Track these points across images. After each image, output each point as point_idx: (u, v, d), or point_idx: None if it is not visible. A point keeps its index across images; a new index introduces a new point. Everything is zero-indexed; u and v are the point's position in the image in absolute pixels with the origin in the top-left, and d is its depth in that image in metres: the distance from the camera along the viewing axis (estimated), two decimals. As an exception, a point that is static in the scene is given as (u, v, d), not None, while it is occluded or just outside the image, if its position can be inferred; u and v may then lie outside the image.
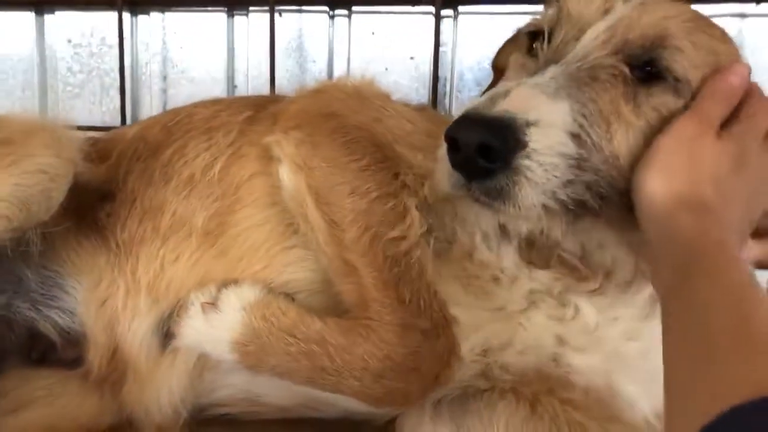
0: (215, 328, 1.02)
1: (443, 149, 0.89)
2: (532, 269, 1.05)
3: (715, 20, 1.06)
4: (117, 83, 1.78)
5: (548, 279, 1.05)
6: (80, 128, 1.77)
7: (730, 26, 1.53)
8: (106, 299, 1.13)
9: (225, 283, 1.07)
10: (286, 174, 1.10)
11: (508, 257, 1.06)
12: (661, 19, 0.95)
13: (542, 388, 1.04)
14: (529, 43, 1.05)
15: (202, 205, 1.14)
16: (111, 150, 1.28)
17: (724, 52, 1.00)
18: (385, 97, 1.24)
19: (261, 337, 0.98)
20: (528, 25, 1.08)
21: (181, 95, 1.81)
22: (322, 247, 1.04)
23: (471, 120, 0.85)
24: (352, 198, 1.03)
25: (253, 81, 1.80)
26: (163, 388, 1.11)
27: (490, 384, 1.06)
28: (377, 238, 0.99)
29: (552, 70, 0.90)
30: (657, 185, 0.86)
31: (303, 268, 1.10)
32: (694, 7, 1.53)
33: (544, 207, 0.86)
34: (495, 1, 1.63)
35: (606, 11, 0.97)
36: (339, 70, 1.75)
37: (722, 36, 1.03)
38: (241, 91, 1.81)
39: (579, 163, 0.86)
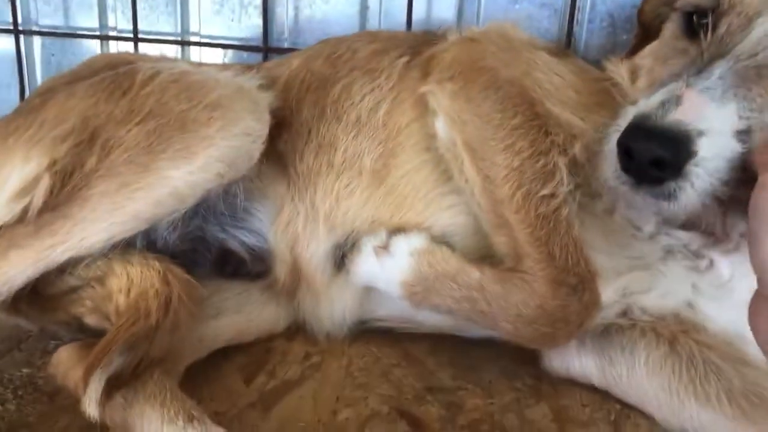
0: (387, 269, 1.16)
1: (611, 145, 0.96)
2: (671, 229, 1.15)
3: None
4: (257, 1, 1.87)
5: (686, 237, 1.15)
6: (221, 45, 1.92)
7: None
8: (288, 222, 1.29)
9: (393, 229, 1.21)
10: (441, 127, 1.20)
11: (649, 219, 1.15)
12: None
13: (679, 329, 1.16)
14: (686, 19, 1.09)
15: (369, 147, 1.27)
16: (278, 76, 1.40)
17: None
18: (532, 45, 1.30)
19: (427, 281, 1.12)
20: (686, 3, 1.10)
21: (317, 16, 1.90)
22: (477, 199, 1.15)
23: (646, 132, 0.91)
24: (505, 155, 1.12)
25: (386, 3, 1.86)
26: (336, 303, 1.29)
27: (631, 323, 1.19)
28: (529, 196, 1.09)
29: (719, 69, 0.93)
30: None
31: (458, 212, 1.22)
32: None
33: (704, 204, 0.93)
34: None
35: None
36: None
37: None
38: (373, 10, 1.87)
39: (743, 160, 0.90)
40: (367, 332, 1.35)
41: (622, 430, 1.14)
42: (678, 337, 1.16)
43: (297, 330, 1.36)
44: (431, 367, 1.28)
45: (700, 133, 0.90)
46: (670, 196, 0.93)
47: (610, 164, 0.98)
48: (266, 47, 1.86)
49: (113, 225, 1.10)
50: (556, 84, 1.21)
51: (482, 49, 1.26)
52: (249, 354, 1.28)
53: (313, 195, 1.27)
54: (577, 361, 1.21)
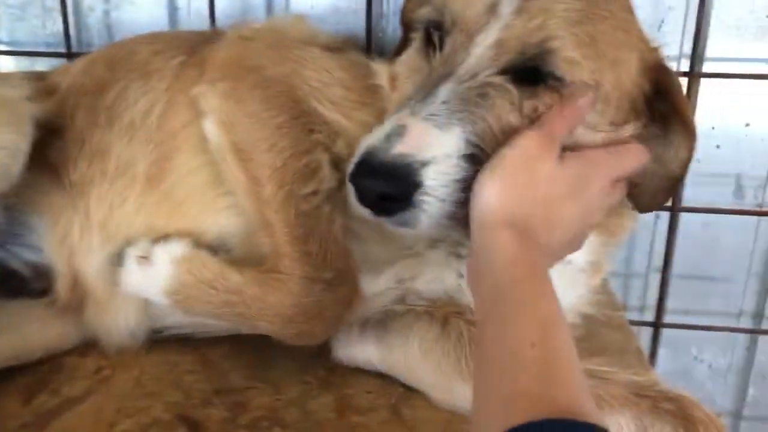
0: (149, 279, 1.15)
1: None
2: None
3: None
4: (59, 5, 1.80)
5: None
6: (25, 53, 1.84)
7: None
8: (65, 235, 1.25)
9: (156, 237, 1.20)
10: (210, 129, 1.19)
11: None
12: (543, 21, 0.97)
13: (452, 311, 1.21)
14: (425, 34, 1.09)
15: (143, 151, 1.24)
16: (59, 83, 1.35)
17: (608, 38, 1.01)
18: (308, 42, 1.30)
19: (188, 288, 1.12)
20: (421, 18, 1.12)
21: (125, 18, 1.84)
22: (243, 200, 1.16)
23: (370, 169, 0.93)
24: (270, 154, 1.13)
25: (195, 2, 1.83)
26: (120, 315, 1.27)
27: (407, 308, 1.23)
28: (291, 195, 1.11)
29: (443, 92, 0.96)
30: (492, 196, 0.90)
31: (235, 213, 1.21)
32: None
33: (442, 225, 0.97)
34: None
35: (491, 8, 0.99)
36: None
37: (613, 19, 1.02)
38: (183, 11, 1.84)
39: (473, 179, 0.94)
40: (166, 341, 1.33)
41: (400, 413, 1.18)
42: (449, 318, 1.20)
43: (91, 345, 1.32)
44: (226, 370, 1.29)
45: (424, 164, 0.92)
46: (408, 224, 0.96)
47: (351, 195, 0.99)
48: (69, 52, 1.79)
49: None
50: (324, 81, 1.22)
51: (254, 47, 1.26)
52: (33, 373, 1.25)
53: (87, 205, 1.24)
54: (360, 350, 1.25)
